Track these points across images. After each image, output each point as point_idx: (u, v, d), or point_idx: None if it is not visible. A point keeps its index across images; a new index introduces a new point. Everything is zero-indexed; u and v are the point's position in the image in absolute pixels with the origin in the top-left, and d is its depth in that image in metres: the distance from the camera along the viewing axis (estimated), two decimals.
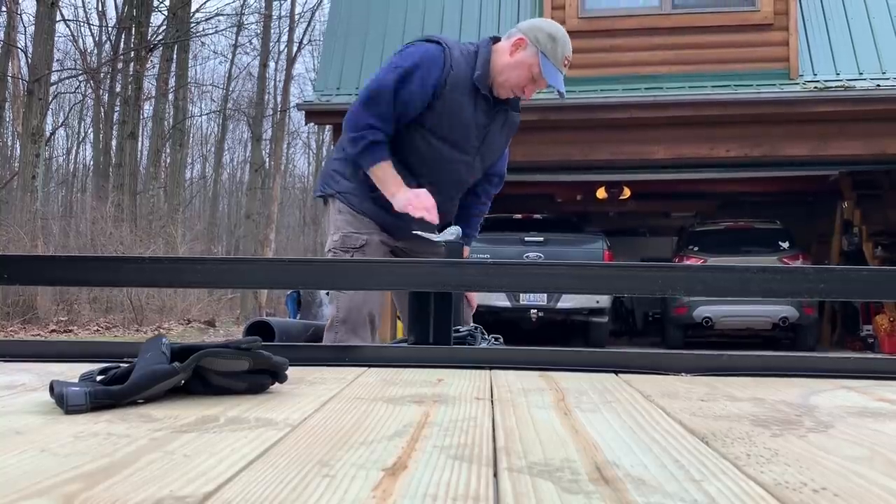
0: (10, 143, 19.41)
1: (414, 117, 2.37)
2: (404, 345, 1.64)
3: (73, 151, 27.17)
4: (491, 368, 1.39)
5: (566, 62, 2.44)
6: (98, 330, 10.77)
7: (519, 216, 9.41)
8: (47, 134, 15.89)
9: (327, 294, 7.88)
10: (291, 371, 1.13)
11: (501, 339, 2.01)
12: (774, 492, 0.61)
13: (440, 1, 8.65)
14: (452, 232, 2.27)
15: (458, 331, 1.65)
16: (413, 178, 2.42)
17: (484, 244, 7.73)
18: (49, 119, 18.42)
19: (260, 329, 3.01)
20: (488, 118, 2.46)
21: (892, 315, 8.47)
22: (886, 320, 8.46)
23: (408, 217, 2.36)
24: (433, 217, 2.32)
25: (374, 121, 2.32)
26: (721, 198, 11.38)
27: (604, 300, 8.58)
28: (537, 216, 9.51)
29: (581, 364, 1.33)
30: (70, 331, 10.29)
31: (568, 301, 8.47)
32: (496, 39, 2.48)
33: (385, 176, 2.34)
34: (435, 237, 2.31)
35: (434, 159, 2.41)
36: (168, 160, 20.84)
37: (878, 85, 7.35)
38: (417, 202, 2.32)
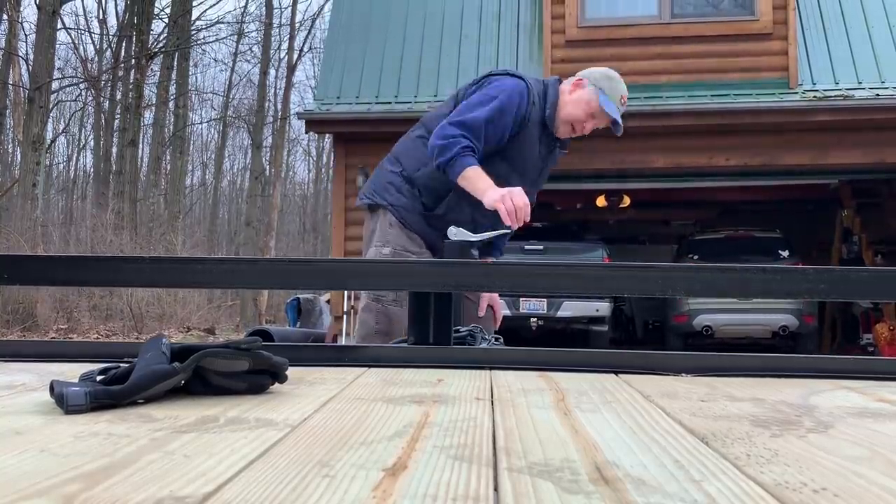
0: (10, 151, 19.44)
1: (494, 145, 2.46)
2: (404, 345, 1.64)
3: (74, 159, 27.24)
4: (491, 369, 1.39)
5: (623, 101, 2.59)
6: (98, 337, 10.76)
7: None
8: (48, 141, 15.92)
9: (327, 302, 7.87)
10: (291, 371, 1.13)
11: (501, 340, 2.01)
12: (774, 492, 0.61)
13: (440, 11, 8.69)
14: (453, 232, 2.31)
15: (458, 331, 1.65)
16: (472, 202, 2.45)
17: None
18: (49, 126, 18.47)
19: (260, 337, 3.01)
20: (548, 154, 2.63)
21: (892, 324, 8.46)
22: (886, 329, 8.45)
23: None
24: (521, 217, 2.37)
25: (468, 135, 2.39)
26: (721, 206, 11.38)
27: (604, 308, 8.58)
28: (537, 224, 9.51)
29: (581, 364, 1.33)
30: (70, 339, 10.27)
31: (568, 309, 8.47)
32: (560, 81, 2.62)
33: (478, 176, 2.38)
34: (474, 237, 2.36)
35: (500, 185, 2.44)
36: (168, 167, 20.88)
37: (878, 94, 7.37)
38: (510, 198, 2.35)
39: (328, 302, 7.53)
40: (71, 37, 21.11)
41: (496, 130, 2.42)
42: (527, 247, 8.53)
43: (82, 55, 21.30)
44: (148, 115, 19.50)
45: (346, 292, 6.98)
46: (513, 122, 2.44)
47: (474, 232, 2.46)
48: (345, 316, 7.27)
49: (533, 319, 8.51)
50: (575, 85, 2.55)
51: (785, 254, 9.19)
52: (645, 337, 12.25)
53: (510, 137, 2.48)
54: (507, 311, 8.26)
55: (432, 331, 1.46)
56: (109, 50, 20.64)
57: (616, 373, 1.35)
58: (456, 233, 2.36)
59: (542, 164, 2.63)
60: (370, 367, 1.39)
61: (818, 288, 1.24)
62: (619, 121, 2.55)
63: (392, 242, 2.49)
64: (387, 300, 2.46)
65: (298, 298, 7.31)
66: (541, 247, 8.53)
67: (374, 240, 2.55)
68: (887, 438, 0.84)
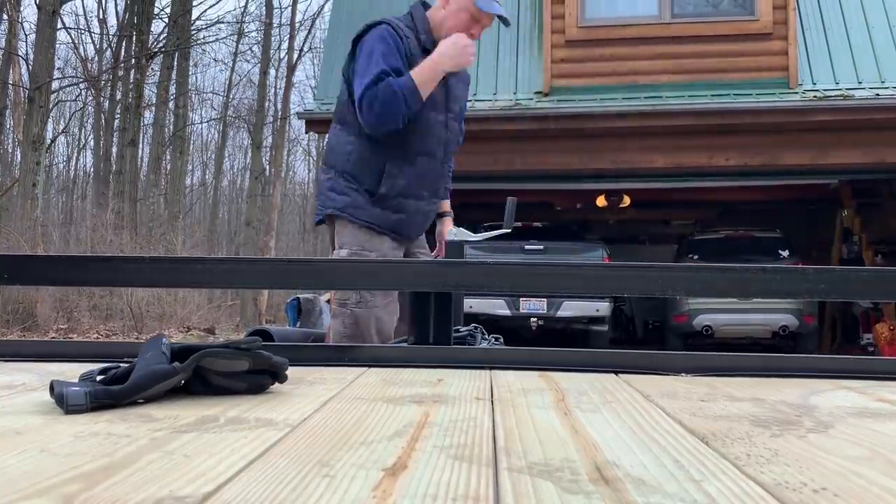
0: (10, 151, 19.44)
1: None
2: (404, 345, 1.64)
3: (74, 158, 27.24)
4: (491, 368, 1.39)
5: None
6: (98, 337, 10.75)
7: (518, 224, 9.41)
8: (48, 141, 15.92)
9: (328, 302, 7.87)
10: (291, 371, 1.13)
11: (501, 339, 2.02)
12: (774, 492, 0.61)
13: None
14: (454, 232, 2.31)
15: (458, 331, 1.65)
16: (407, 154, 2.45)
17: (483, 252, 7.73)
18: (49, 126, 18.47)
19: (260, 337, 3.00)
20: (446, 81, 2.53)
21: (892, 324, 8.46)
22: (886, 329, 8.45)
23: (410, 205, 2.43)
24: (472, 48, 2.36)
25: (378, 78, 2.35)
26: (721, 206, 11.38)
27: (604, 308, 8.58)
28: (537, 224, 9.52)
29: (581, 364, 1.33)
30: (70, 339, 10.27)
31: (568, 309, 8.47)
32: (426, 6, 2.57)
33: (420, 72, 2.36)
34: (473, 237, 2.35)
35: (419, 128, 2.43)
36: (168, 167, 20.87)
37: (878, 94, 7.36)
38: (454, 46, 2.35)
39: (328, 302, 7.53)
40: (71, 36, 21.11)
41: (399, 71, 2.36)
42: (527, 247, 8.53)
43: (82, 55, 21.31)
44: (148, 115, 19.51)
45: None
46: (401, 59, 2.39)
47: (419, 195, 2.45)
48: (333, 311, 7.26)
49: (533, 319, 8.51)
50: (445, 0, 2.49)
51: (785, 254, 9.19)
52: (645, 337, 12.25)
53: None
54: (506, 311, 8.35)
55: (432, 331, 1.46)
56: (109, 50, 20.65)
57: (616, 373, 1.35)
58: (456, 233, 2.36)
59: (446, 88, 2.53)
60: (370, 367, 1.39)
61: (818, 288, 1.24)
62: (503, 13, 2.50)
63: (348, 244, 2.47)
64: (350, 302, 2.43)
65: (298, 298, 7.30)
66: (541, 247, 8.53)
67: (335, 249, 2.53)
68: (887, 438, 0.84)
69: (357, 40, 2.50)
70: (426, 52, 2.46)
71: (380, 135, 2.40)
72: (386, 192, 2.44)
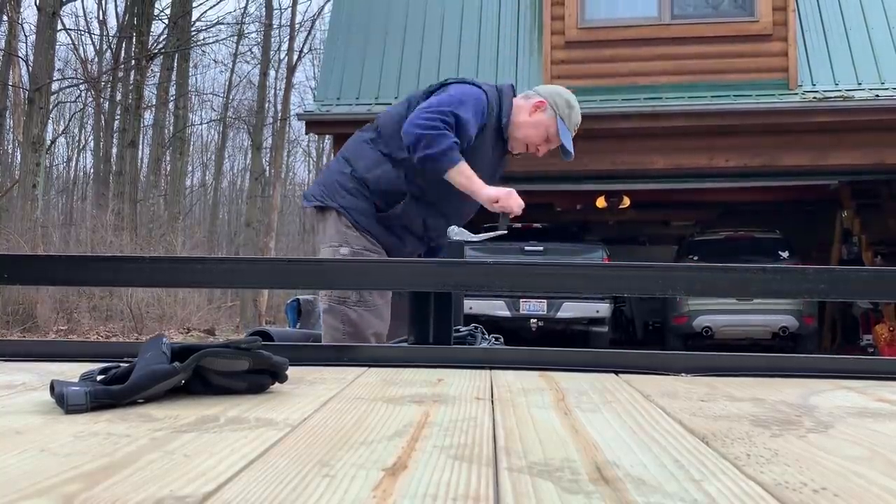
0: (10, 152, 19.44)
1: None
2: (404, 345, 1.64)
3: (74, 159, 27.24)
4: (491, 368, 1.39)
5: (576, 128, 2.67)
6: (98, 338, 10.75)
7: (518, 225, 9.42)
8: (48, 142, 15.92)
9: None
10: (291, 371, 1.13)
11: (501, 339, 2.02)
12: (774, 492, 0.61)
13: (440, 12, 8.69)
14: (455, 232, 2.32)
15: (458, 331, 1.65)
16: (427, 205, 2.49)
17: (483, 253, 7.73)
18: (49, 127, 18.47)
19: (260, 337, 3.00)
20: (500, 158, 2.65)
21: (892, 325, 8.46)
22: (886, 330, 8.45)
23: (409, 238, 2.48)
24: (516, 211, 2.42)
25: (451, 128, 2.38)
26: (721, 207, 11.39)
27: (604, 309, 8.58)
28: (537, 225, 9.52)
29: (581, 364, 1.33)
30: (70, 339, 10.26)
31: (568, 310, 8.47)
32: (513, 90, 2.65)
33: (470, 173, 2.39)
34: (473, 238, 2.38)
35: (454, 195, 2.46)
36: (168, 168, 20.88)
37: (877, 95, 7.37)
38: (507, 199, 2.40)
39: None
40: (71, 38, 21.12)
41: (466, 133, 2.41)
42: (527, 248, 8.53)
43: (82, 56, 21.30)
44: (148, 116, 19.52)
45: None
46: (473, 129, 2.44)
47: (420, 236, 2.50)
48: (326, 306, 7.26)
49: (533, 320, 8.51)
50: (535, 107, 2.58)
51: (785, 254, 9.20)
52: (645, 338, 12.25)
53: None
54: (506, 313, 8.35)
55: (432, 331, 1.46)
56: (109, 51, 20.65)
57: (616, 373, 1.35)
58: (458, 233, 2.37)
59: (494, 170, 2.63)
60: (370, 366, 1.39)
61: (818, 288, 1.24)
62: (572, 151, 2.61)
63: (352, 244, 2.48)
64: (350, 301, 2.44)
65: (298, 300, 7.30)
66: (541, 248, 8.53)
67: (327, 241, 2.53)
68: (887, 438, 0.84)
69: (451, 83, 2.54)
70: (499, 131, 2.54)
71: (404, 158, 2.44)
72: (397, 214, 2.48)
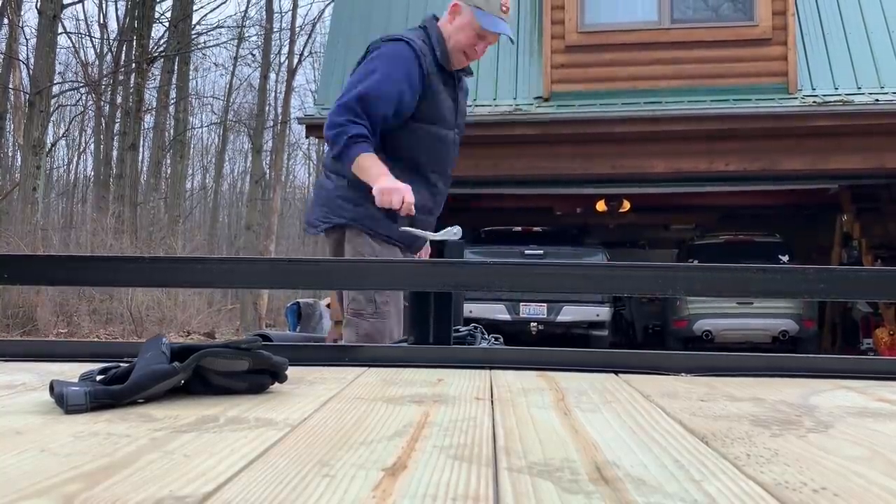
0: (10, 155, 19.45)
1: (404, 112, 2.44)
2: (404, 345, 1.64)
3: (74, 162, 27.24)
4: (491, 368, 1.39)
5: (504, 8, 2.50)
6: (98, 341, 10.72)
7: (518, 229, 9.43)
8: (48, 145, 15.94)
9: (327, 307, 7.86)
10: (291, 371, 1.13)
11: (501, 339, 2.01)
12: (774, 492, 0.61)
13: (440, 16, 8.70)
14: (454, 232, 2.28)
15: (458, 331, 1.65)
16: (421, 172, 2.47)
17: (483, 257, 7.74)
18: (50, 130, 18.48)
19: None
20: (455, 91, 2.58)
21: (892, 328, 8.46)
22: (886, 334, 8.45)
23: (422, 227, 2.44)
24: (407, 209, 2.35)
25: (353, 118, 2.36)
26: (721, 210, 11.39)
27: (604, 313, 8.58)
28: (537, 229, 9.52)
29: (581, 364, 1.33)
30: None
31: (568, 314, 8.47)
32: (437, 19, 2.58)
33: (369, 164, 2.35)
34: (432, 236, 2.33)
35: (433, 146, 2.47)
36: (168, 171, 20.90)
37: (877, 100, 7.37)
38: (391, 197, 2.33)
39: (328, 307, 7.53)
40: (71, 41, 21.15)
41: (387, 101, 2.37)
42: (526, 251, 8.54)
43: (83, 59, 21.33)
44: (148, 119, 19.53)
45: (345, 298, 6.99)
46: (411, 87, 2.39)
47: (426, 208, 2.48)
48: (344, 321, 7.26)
49: (533, 324, 8.51)
50: (452, 12, 2.49)
51: (785, 258, 9.20)
52: (645, 341, 12.24)
53: (419, 99, 2.43)
54: (506, 316, 8.34)
55: (432, 331, 1.46)
56: (110, 54, 20.68)
57: (616, 373, 1.35)
58: (456, 232, 2.35)
59: (455, 104, 2.57)
60: (370, 366, 1.39)
61: (818, 288, 1.24)
62: (508, 31, 2.51)
63: (380, 255, 2.45)
64: (367, 313, 2.43)
65: (298, 303, 7.30)
66: (540, 251, 8.54)
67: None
68: (887, 438, 0.84)
69: (372, 49, 2.50)
70: (440, 67, 2.48)
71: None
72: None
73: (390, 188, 2.32)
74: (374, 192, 2.33)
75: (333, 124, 2.38)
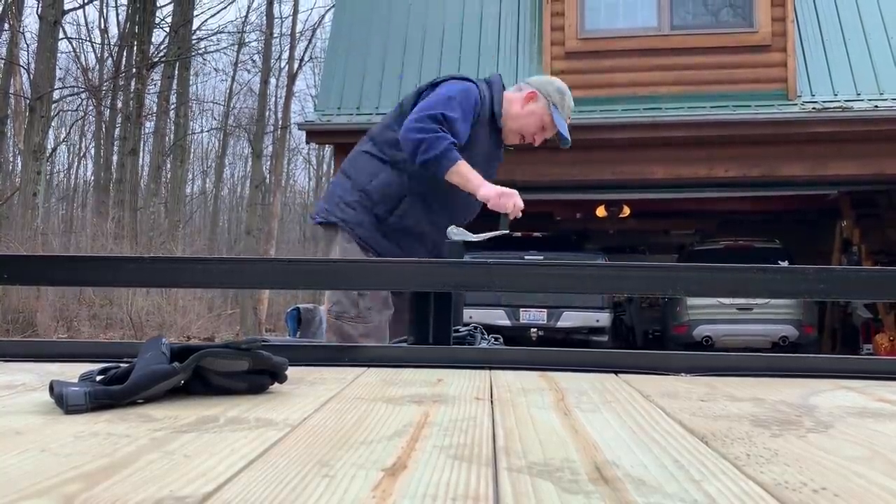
0: (11, 160, 19.46)
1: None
2: (404, 345, 1.64)
3: (74, 167, 27.26)
4: (491, 368, 1.39)
5: (570, 116, 2.74)
6: None
7: (518, 234, 9.44)
8: (49, 150, 15.95)
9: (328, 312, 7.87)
10: (291, 371, 1.13)
11: (501, 339, 2.01)
12: (774, 492, 0.61)
13: (441, 22, 8.72)
14: (455, 233, 2.32)
15: (458, 331, 1.65)
16: (429, 205, 2.51)
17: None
18: (50, 135, 18.51)
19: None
20: (495, 149, 2.67)
21: (893, 334, 8.45)
22: (886, 339, 8.44)
23: (412, 246, 2.48)
24: (516, 212, 2.44)
25: (445, 128, 2.41)
26: (720, 216, 11.40)
27: (604, 319, 8.58)
28: (537, 234, 9.53)
29: (581, 364, 1.33)
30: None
31: (568, 320, 8.47)
32: (501, 80, 2.70)
33: (469, 170, 2.41)
34: (473, 237, 2.38)
35: (455, 189, 2.47)
36: (168, 176, 20.91)
37: (876, 106, 7.39)
38: (505, 197, 2.41)
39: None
40: (72, 46, 21.20)
41: (456, 131, 2.43)
42: (526, 257, 8.54)
43: (83, 64, 21.36)
44: (148, 125, 19.56)
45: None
46: (469, 123, 2.48)
47: (424, 241, 2.51)
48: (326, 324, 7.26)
49: (533, 330, 8.50)
50: (528, 98, 2.64)
51: (784, 264, 9.19)
52: (645, 347, 12.24)
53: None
54: (506, 322, 8.34)
55: (432, 331, 1.46)
56: (111, 59, 20.71)
57: (616, 373, 1.35)
58: (457, 233, 2.37)
59: (489, 161, 2.65)
60: (370, 366, 1.39)
61: (817, 288, 1.24)
62: (568, 137, 2.66)
63: (350, 255, 2.50)
64: (347, 316, 2.48)
65: (298, 308, 7.30)
66: (540, 257, 8.54)
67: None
68: (887, 438, 0.84)
69: (439, 82, 2.58)
70: (493, 122, 2.58)
71: (409, 162, 2.46)
72: (396, 221, 2.49)
73: (509, 192, 2.40)
74: (490, 194, 2.40)
75: (426, 129, 2.38)
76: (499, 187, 2.42)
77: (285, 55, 22.97)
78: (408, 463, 0.68)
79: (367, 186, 2.51)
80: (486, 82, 2.65)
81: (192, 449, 0.73)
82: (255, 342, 1.06)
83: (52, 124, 18.54)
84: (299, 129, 9.20)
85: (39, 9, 14.58)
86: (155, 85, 19.12)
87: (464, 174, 2.40)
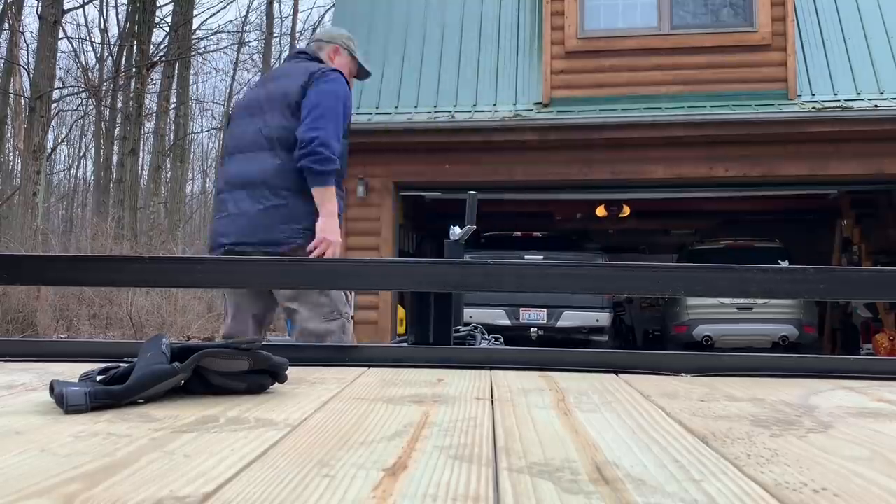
0: (11, 160, 19.47)
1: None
2: (404, 345, 1.64)
3: (74, 167, 27.28)
4: (491, 368, 1.39)
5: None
6: None
7: (518, 234, 9.44)
8: (48, 150, 15.95)
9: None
10: (291, 371, 1.13)
11: (501, 339, 2.02)
12: (774, 492, 0.60)
13: (440, 22, 8.73)
14: (457, 233, 2.34)
15: (458, 331, 1.65)
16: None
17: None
18: (50, 135, 18.52)
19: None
20: None
21: (892, 334, 8.45)
22: (886, 339, 8.44)
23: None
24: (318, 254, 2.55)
25: (337, 154, 2.57)
26: (720, 216, 11.40)
27: (604, 318, 8.58)
28: (537, 234, 9.53)
29: (581, 364, 1.33)
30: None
31: (568, 320, 8.47)
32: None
33: (332, 196, 2.55)
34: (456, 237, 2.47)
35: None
36: (168, 176, 20.92)
37: (876, 105, 7.39)
38: (327, 246, 2.52)
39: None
40: (72, 45, 21.21)
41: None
42: (526, 256, 8.54)
43: (83, 64, 21.38)
44: (148, 124, 19.56)
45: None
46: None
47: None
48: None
49: (533, 330, 8.50)
50: (334, 52, 2.86)
51: (784, 264, 9.19)
52: (645, 347, 12.24)
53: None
54: (506, 321, 8.34)
55: (432, 331, 1.46)
56: (110, 59, 20.73)
57: (616, 373, 1.35)
58: (459, 234, 2.40)
59: None
60: (370, 367, 1.39)
61: (818, 288, 1.24)
62: (369, 70, 2.99)
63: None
64: (348, 314, 2.58)
65: None
66: (540, 256, 8.54)
67: None
68: (887, 438, 0.83)
69: (317, 71, 2.65)
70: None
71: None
72: None
73: (325, 238, 2.50)
74: (320, 229, 2.48)
75: (330, 150, 2.52)
76: (332, 233, 2.53)
77: (285, 55, 22.98)
78: (408, 463, 0.68)
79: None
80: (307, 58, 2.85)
81: (192, 449, 0.73)
82: (255, 342, 1.06)
83: (52, 124, 18.55)
84: None
85: (39, 8, 14.59)
86: (155, 85, 19.14)
87: (328, 197, 2.54)
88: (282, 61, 2.81)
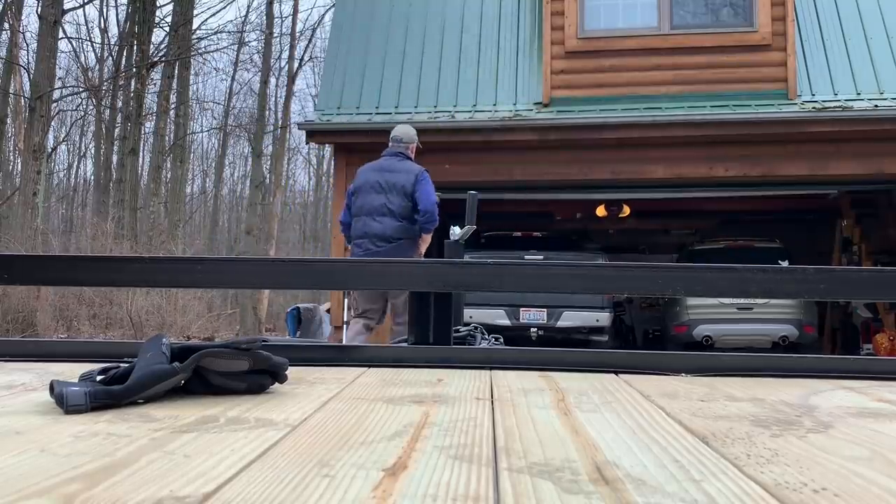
0: (11, 160, 19.45)
1: None
2: (404, 345, 1.64)
3: (74, 167, 27.27)
4: (491, 368, 1.39)
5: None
6: None
7: (518, 234, 9.44)
8: (49, 150, 15.95)
9: (328, 311, 7.86)
10: (291, 371, 1.13)
11: (501, 340, 2.01)
12: (774, 492, 0.60)
13: (441, 22, 8.72)
14: (457, 233, 2.38)
15: (458, 331, 1.65)
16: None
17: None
18: (50, 135, 18.51)
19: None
20: None
21: (893, 334, 8.45)
22: (886, 339, 8.43)
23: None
24: None
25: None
26: (720, 216, 11.39)
27: (604, 318, 8.57)
28: (537, 234, 9.53)
29: (581, 364, 1.33)
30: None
31: (568, 320, 8.46)
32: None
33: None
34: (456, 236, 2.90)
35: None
36: (168, 176, 20.90)
37: (876, 105, 7.38)
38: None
39: (328, 311, 7.53)
40: (72, 45, 21.19)
41: None
42: (526, 256, 8.53)
43: (83, 64, 21.36)
44: (148, 124, 19.54)
45: (346, 302, 7.01)
46: None
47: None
48: (345, 325, 7.27)
49: (533, 330, 8.50)
50: (414, 148, 4.79)
51: (784, 264, 9.18)
52: (645, 347, 12.22)
53: None
54: (506, 321, 8.33)
55: (432, 331, 1.45)
56: (111, 59, 20.71)
57: (616, 373, 1.35)
58: (459, 234, 2.41)
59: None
60: (370, 367, 1.39)
61: (818, 288, 1.24)
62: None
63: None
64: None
65: (298, 308, 7.29)
66: (540, 256, 8.53)
67: None
68: (887, 438, 0.83)
69: (419, 173, 4.53)
70: None
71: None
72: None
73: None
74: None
75: (435, 210, 4.42)
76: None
77: (285, 55, 22.98)
78: (408, 463, 0.68)
79: (415, 235, 4.62)
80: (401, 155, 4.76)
81: (192, 449, 0.73)
82: (255, 342, 1.06)
83: (52, 124, 18.53)
84: (299, 128, 9.20)
85: (39, 8, 14.58)
86: (155, 85, 19.12)
87: (427, 242, 4.50)
88: (382, 154, 4.86)
